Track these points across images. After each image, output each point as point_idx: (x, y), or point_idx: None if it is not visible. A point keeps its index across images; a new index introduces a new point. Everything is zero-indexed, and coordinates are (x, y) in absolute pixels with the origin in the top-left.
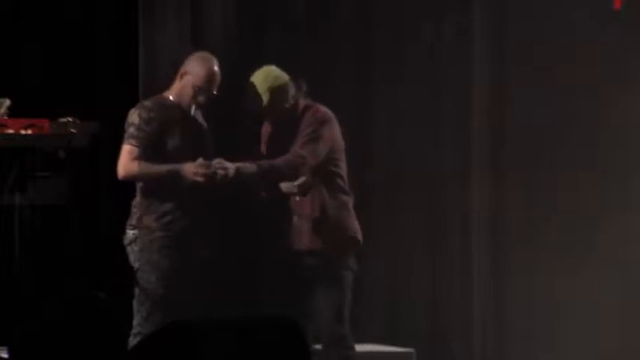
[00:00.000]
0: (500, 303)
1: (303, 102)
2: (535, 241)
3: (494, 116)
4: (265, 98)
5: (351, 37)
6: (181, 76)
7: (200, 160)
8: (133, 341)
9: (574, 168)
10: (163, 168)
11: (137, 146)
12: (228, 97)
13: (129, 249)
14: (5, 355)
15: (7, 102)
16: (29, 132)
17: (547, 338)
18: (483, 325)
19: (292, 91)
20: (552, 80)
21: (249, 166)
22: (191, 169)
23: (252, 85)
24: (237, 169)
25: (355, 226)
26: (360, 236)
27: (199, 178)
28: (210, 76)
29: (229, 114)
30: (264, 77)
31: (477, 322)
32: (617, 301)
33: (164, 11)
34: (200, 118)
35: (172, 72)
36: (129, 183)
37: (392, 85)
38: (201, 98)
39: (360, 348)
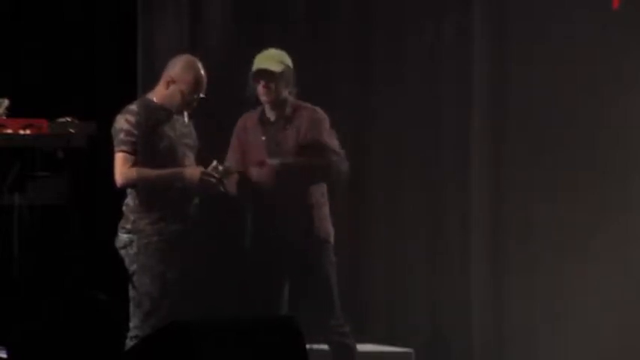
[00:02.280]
0: (500, 303)
1: (293, 100)
2: (535, 241)
3: (494, 116)
4: (278, 67)
5: (351, 37)
6: (167, 83)
7: (202, 168)
8: (129, 344)
9: (574, 168)
10: (163, 173)
11: (130, 152)
12: (227, 98)
13: (123, 252)
14: (4, 355)
15: (6, 102)
16: (28, 132)
17: (547, 338)
18: (483, 325)
19: (291, 84)
20: (552, 80)
21: (300, 162)
22: (195, 174)
23: (260, 56)
24: (284, 164)
25: (328, 226)
26: (331, 237)
27: (208, 179)
28: (198, 83)
29: (227, 114)
30: (278, 52)
31: (476, 322)
32: (617, 301)
33: (163, 12)
34: (186, 117)
35: None
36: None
37: (392, 85)
38: (190, 103)
39: (359, 348)
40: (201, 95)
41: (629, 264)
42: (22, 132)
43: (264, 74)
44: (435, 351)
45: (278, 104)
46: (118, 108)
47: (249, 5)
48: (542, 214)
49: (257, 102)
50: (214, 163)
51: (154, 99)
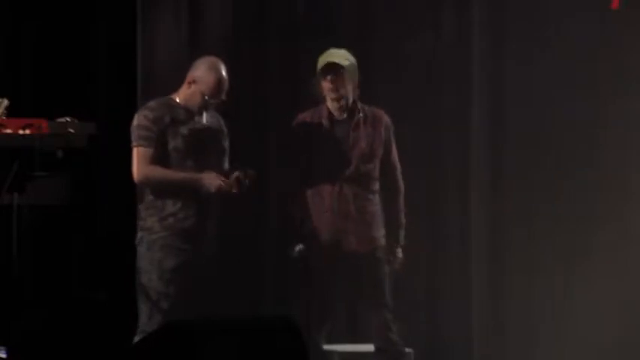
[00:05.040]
0: (499, 303)
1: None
2: (535, 242)
3: (494, 116)
4: (345, 62)
5: (351, 37)
6: (189, 84)
7: (221, 178)
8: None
9: (574, 168)
10: (181, 176)
11: (148, 147)
12: (227, 99)
13: (138, 249)
14: (4, 355)
15: (5, 102)
16: (27, 132)
17: (547, 338)
18: (483, 326)
19: (356, 81)
20: (552, 80)
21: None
22: (213, 182)
23: (325, 54)
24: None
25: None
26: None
27: (224, 187)
28: (219, 84)
29: (228, 115)
30: (342, 50)
31: (476, 322)
32: (616, 300)
33: (162, 13)
34: (208, 119)
35: (170, 73)
36: (128, 184)
37: (392, 85)
38: (210, 105)
39: (359, 348)
40: (223, 98)
41: (629, 264)
42: (21, 132)
43: (332, 68)
44: (435, 351)
45: (345, 102)
46: (118, 108)
47: (248, 7)
48: (542, 214)
49: (318, 102)
50: (236, 173)
51: (177, 99)
